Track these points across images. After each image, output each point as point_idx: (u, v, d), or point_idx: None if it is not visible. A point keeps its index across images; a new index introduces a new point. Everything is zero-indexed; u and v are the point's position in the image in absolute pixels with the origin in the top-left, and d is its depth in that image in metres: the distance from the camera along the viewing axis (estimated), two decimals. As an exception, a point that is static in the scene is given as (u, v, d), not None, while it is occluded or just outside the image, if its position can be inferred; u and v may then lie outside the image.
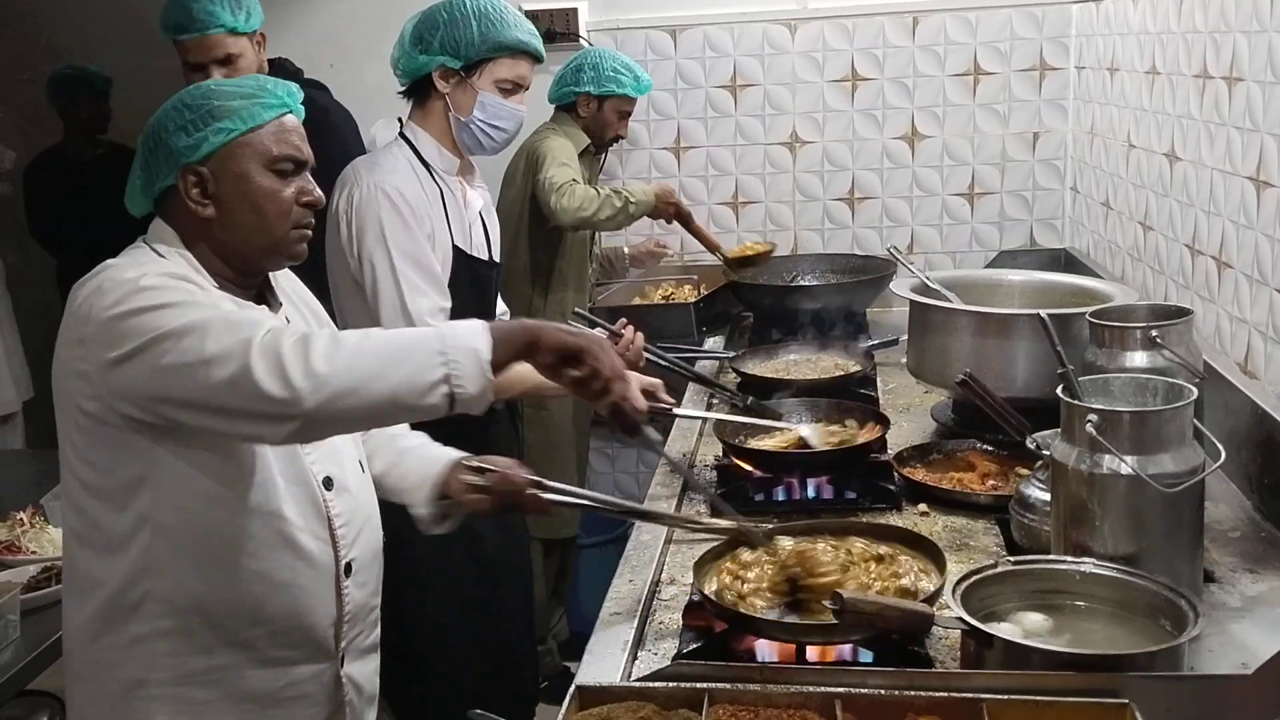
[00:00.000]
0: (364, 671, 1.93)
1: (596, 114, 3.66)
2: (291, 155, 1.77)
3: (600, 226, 3.55)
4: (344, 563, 1.82)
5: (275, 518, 1.73)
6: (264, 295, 1.85)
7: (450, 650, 2.71)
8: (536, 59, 2.67)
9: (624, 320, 2.80)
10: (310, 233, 1.81)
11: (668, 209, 3.62)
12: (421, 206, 2.54)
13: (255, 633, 1.74)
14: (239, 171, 1.74)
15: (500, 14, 2.58)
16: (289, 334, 1.54)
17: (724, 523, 2.02)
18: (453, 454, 2.01)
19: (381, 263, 2.50)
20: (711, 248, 3.80)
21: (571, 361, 1.64)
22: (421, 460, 2.01)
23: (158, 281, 1.62)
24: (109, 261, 1.71)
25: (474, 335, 1.57)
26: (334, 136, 3.01)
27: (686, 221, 3.70)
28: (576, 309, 3.02)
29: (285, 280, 1.96)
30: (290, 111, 1.80)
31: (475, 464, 1.96)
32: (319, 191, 1.82)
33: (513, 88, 2.62)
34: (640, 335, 2.76)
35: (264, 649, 1.75)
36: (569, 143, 3.58)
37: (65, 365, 1.66)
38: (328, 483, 1.81)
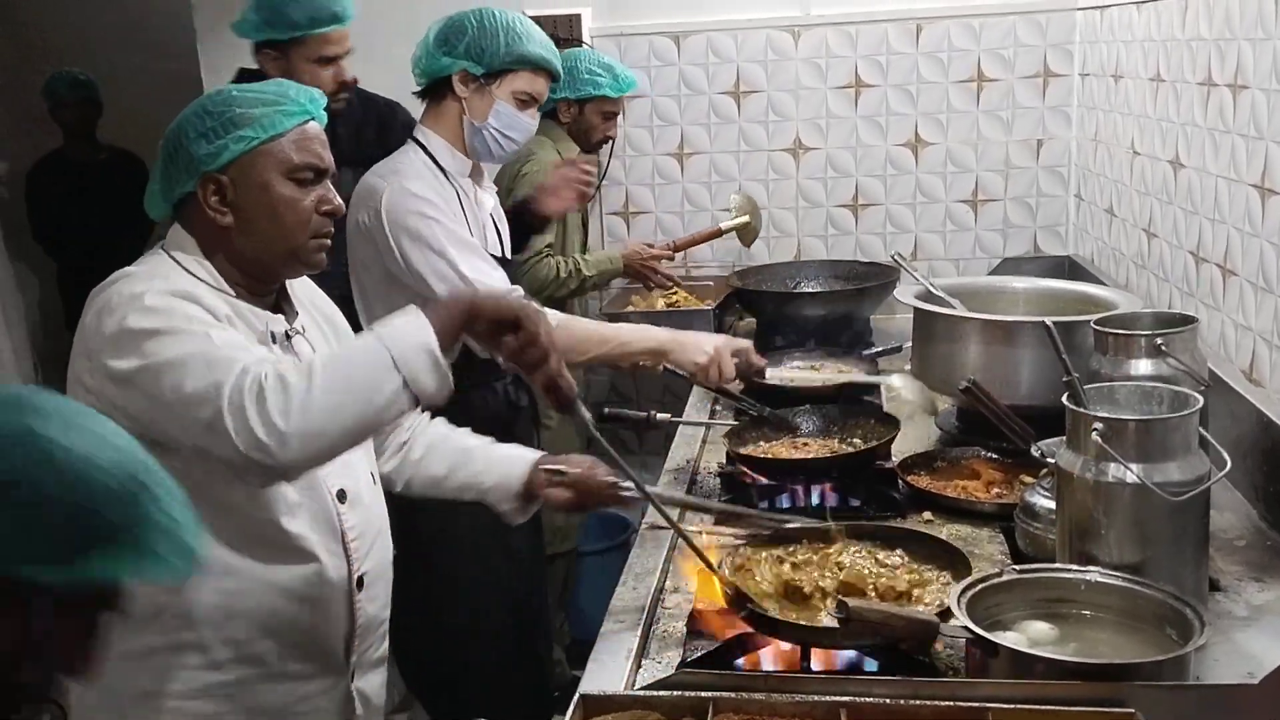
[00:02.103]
0: (373, 685, 1.92)
1: (579, 118, 3.64)
2: (312, 164, 1.76)
3: (560, 302, 3.52)
4: (356, 576, 1.82)
5: (288, 531, 1.73)
6: (280, 303, 1.85)
7: (488, 653, 2.73)
8: (554, 77, 2.72)
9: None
10: (329, 241, 1.81)
11: (644, 270, 3.68)
12: (442, 210, 2.57)
13: (267, 646, 1.74)
14: (260, 180, 1.73)
15: (527, 30, 2.65)
16: (251, 385, 1.52)
17: (797, 521, 2.07)
18: (528, 454, 2.08)
19: (423, 258, 2.51)
20: (709, 237, 3.86)
21: (508, 329, 1.64)
22: (495, 460, 2.07)
23: (159, 302, 1.61)
24: (123, 271, 1.71)
25: (417, 331, 1.57)
26: (407, 129, 2.96)
27: (677, 247, 3.78)
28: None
29: (301, 287, 1.95)
30: (312, 119, 1.79)
31: (554, 465, 2.04)
32: (339, 200, 1.80)
33: (528, 100, 2.67)
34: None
35: (276, 663, 1.75)
36: (555, 159, 3.53)
37: (75, 375, 1.67)
38: (341, 495, 1.81)
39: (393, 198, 2.54)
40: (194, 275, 1.74)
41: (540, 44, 2.66)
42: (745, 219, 3.91)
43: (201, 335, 1.60)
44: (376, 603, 1.89)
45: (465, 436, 2.14)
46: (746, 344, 2.71)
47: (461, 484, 2.05)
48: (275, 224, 1.74)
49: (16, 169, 5.08)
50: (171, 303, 1.62)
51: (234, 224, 1.74)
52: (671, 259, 3.81)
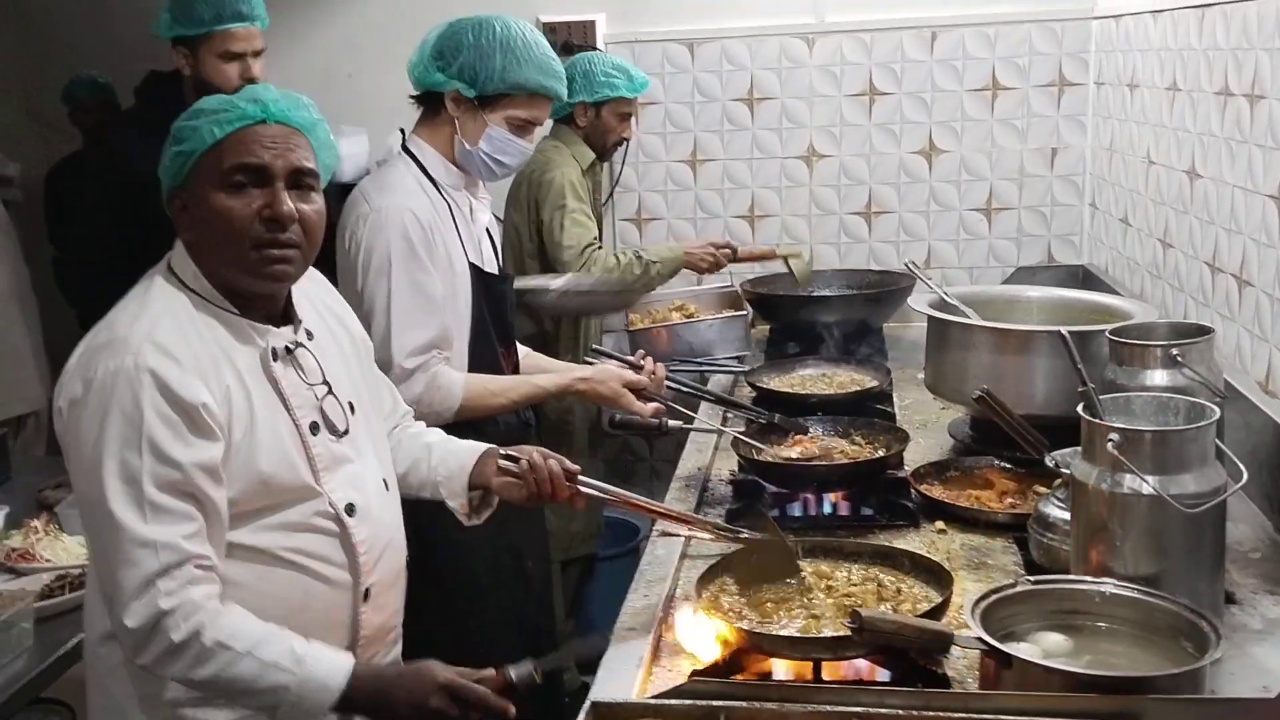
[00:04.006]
0: None
1: (595, 121, 3.61)
2: (245, 163, 1.67)
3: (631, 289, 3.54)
4: (363, 589, 1.80)
5: (291, 547, 1.71)
6: (288, 312, 1.80)
7: (496, 660, 2.71)
8: (556, 99, 2.62)
9: (641, 351, 2.84)
10: (286, 250, 1.70)
11: (703, 261, 3.63)
12: (434, 227, 2.48)
13: None
14: (199, 193, 1.69)
15: (527, 50, 2.49)
16: (160, 635, 1.58)
17: (750, 532, 2.06)
18: (479, 445, 2.06)
19: (380, 294, 2.44)
20: (769, 256, 3.83)
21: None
22: (450, 453, 2.05)
23: (111, 401, 1.58)
24: (115, 326, 1.68)
25: (325, 692, 1.64)
26: None
27: (734, 258, 3.73)
28: (594, 346, 3.02)
29: (315, 288, 1.92)
30: (260, 121, 1.69)
31: (508, 453, 2.01)
32: (286, 205, 1.68)
33: (525, 126, 2.55)
34: (661, 365, 2.79)
35: None
36: (575, 169, 3.53)
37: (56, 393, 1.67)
38: (350, 509, 1.78)
39: (377, 215, 2.45)
40: (193, 291, 1.71)
41: (539, 67, 2.51)
42: (800, 250, 3.88)
43: (124, 483, 1.59)
44: (384, 612, 1.86)
45: (429, 433, 2.12)
46: (639, 378, 2.69)
47: (421, 480, 2.04)
48: (212, 236, 1.69)
49: (36, 173, 5.10)
50: (108, 391, 1.59)
51: (194, 240, 1.72)
52: (732, 257, 3.75)
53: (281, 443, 1.71)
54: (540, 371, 2.78)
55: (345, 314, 1.99)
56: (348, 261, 2.51)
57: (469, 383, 2.53)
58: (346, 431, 1.81)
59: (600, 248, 3.47)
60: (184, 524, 1.59)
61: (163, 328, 1.64)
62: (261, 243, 1.68)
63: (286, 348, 1.76)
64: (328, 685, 1.63)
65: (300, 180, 1.72)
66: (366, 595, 1.80)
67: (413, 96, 2.61)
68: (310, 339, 1.81)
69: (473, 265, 2.58)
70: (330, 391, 1.81)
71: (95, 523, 1.61)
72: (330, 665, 1.65)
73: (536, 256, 3.54)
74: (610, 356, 2.84)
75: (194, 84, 3.17)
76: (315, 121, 1.77)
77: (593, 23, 4.10)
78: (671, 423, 2.67)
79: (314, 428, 1.76)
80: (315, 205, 1.74)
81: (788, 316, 3.76)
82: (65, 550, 2.51)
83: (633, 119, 3.76)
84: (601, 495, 2.06)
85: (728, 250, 3.71)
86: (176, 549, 1.57)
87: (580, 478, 2.02)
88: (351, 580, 1.78)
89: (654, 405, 2.69)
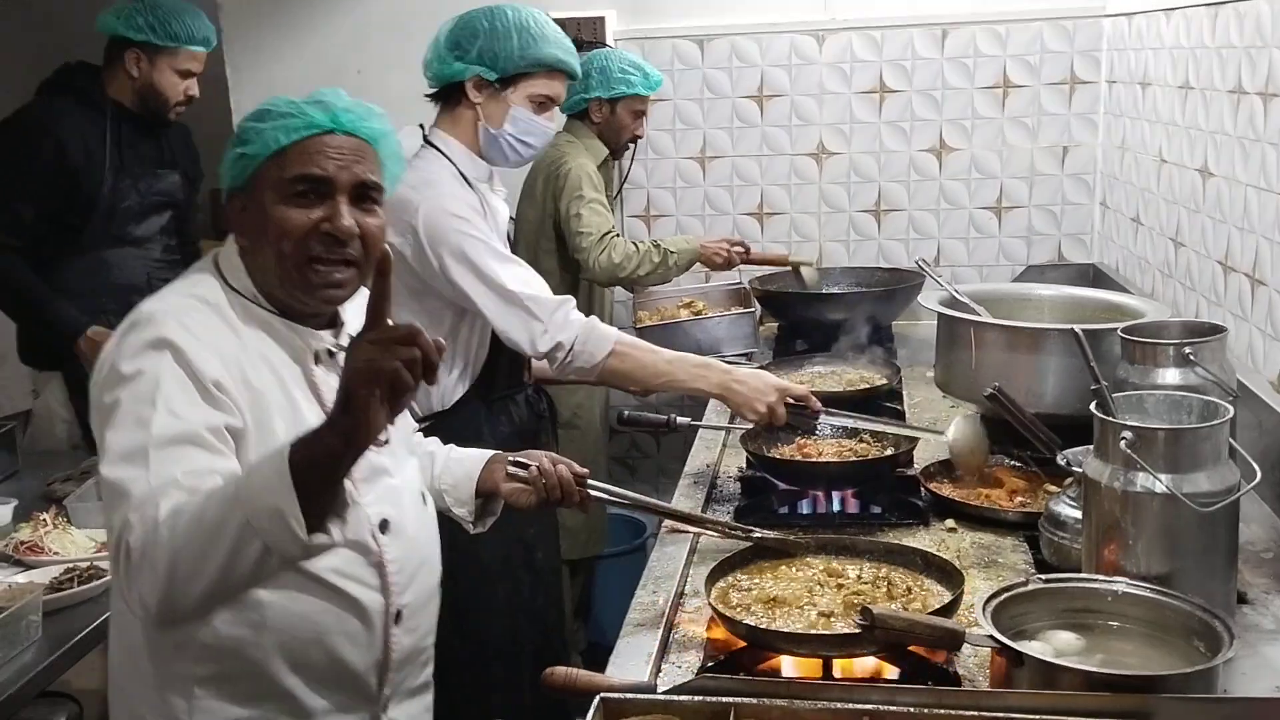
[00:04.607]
0: (411, 712, 1.83)
1: (610, 117, 3.64)
2: (308, 173, 1.62)
3: (637, 283, 3.59)
4: (394, 610, 1.72)
5: (320, 566, 1.62)
6: (333, 316, 1.75)
7: (507, 663, 2.71)
8: (571, 77, 2.66)
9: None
10: (339, 268, 1.65)
11: (716, 256, 3.63)
12: (478, 220, 2.53)
13: (294, 681, 1.65)
14: (257, 199, 1.64)
15: (541, 29, 2.56)
16: (122, 549, 1.45)
17: (761, 530, 2.06)
18: (483, 451, 2.05)
19: (474, 283, 2.49)
20: (781, 262, 3.83)
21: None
22: (454, 461, 2.02)
23: (129, 368, 1.54)
24: (144, 307, 1.63)
25: (273, 492, 1.38)
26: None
27: (746, 258, 3.73)
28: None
29: (360, 294, 1.81)
30: (329, 131, 1.64)
31: (517, 460, 1.98)
32: (347, 220, 1.62)
33: (546, 103, 2.60)
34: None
35: (302, 698, 1.66)
36: (590, 161, 3.56)
37: (90, 386, 1.62)
38: (384, 525, 1.71)
39: (430, 213, 2.49)
40: (235, 290, 1.67)
41: (556, 44, 2.58)
42: (811, 260, 3.91)
43: (134, 429, 1.50)
44: (416, 634, 1.78)
45: (428, 442, 2.08)
46: (804, 390, 2.56)
47: (427, 490, 1.96)
48: (265, 244, 1.63)
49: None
50: (142, 367, 1.53)
51: (247, 245, 1.67)
52: (745, 257, 3.75)
53: None
54: (543, 371, 2.78)
55: None
56: (397, 258, 2.52)
57: (619, 341, 2.54)
58: (387, 441, 1.73)
59: (619, 235, 3.50)
60: (185, 463, 1.49)
61: (193, 312, 1.61)
62: (317, 258, 1.63)
63: (329, 351, 1.71)
64: (272, 478, 1.40)
65: (364, 194, 1.66)
66: (398, 618, 1.73)
67: (429, 95, 2.64)
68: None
69: None
70: None
71: (105, 481, 1.52)
72: (266, 462, 1.44)
73: (554, 249, 3.55)
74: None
75: (139, 88, 3.40)
76: (385, 133, 1.71)
77: (602, 19, 4.09)
78: (680, 419, 2.66)
79: None
80: (378, 219, 1.68)
81: (796, 314, 3.75)
82: (74, 543, 2.52)
83: (644, 117, 3.76)
84: (610, 498, 2.05)
85: (741, 248, 3.71)
86: (172, 483, 1.47)
87: (589, 481, 2.01)
88: (382, 602, 1.70)
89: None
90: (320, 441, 1.39)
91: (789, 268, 3.86)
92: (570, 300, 2.56)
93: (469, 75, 2.54)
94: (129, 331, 1.59)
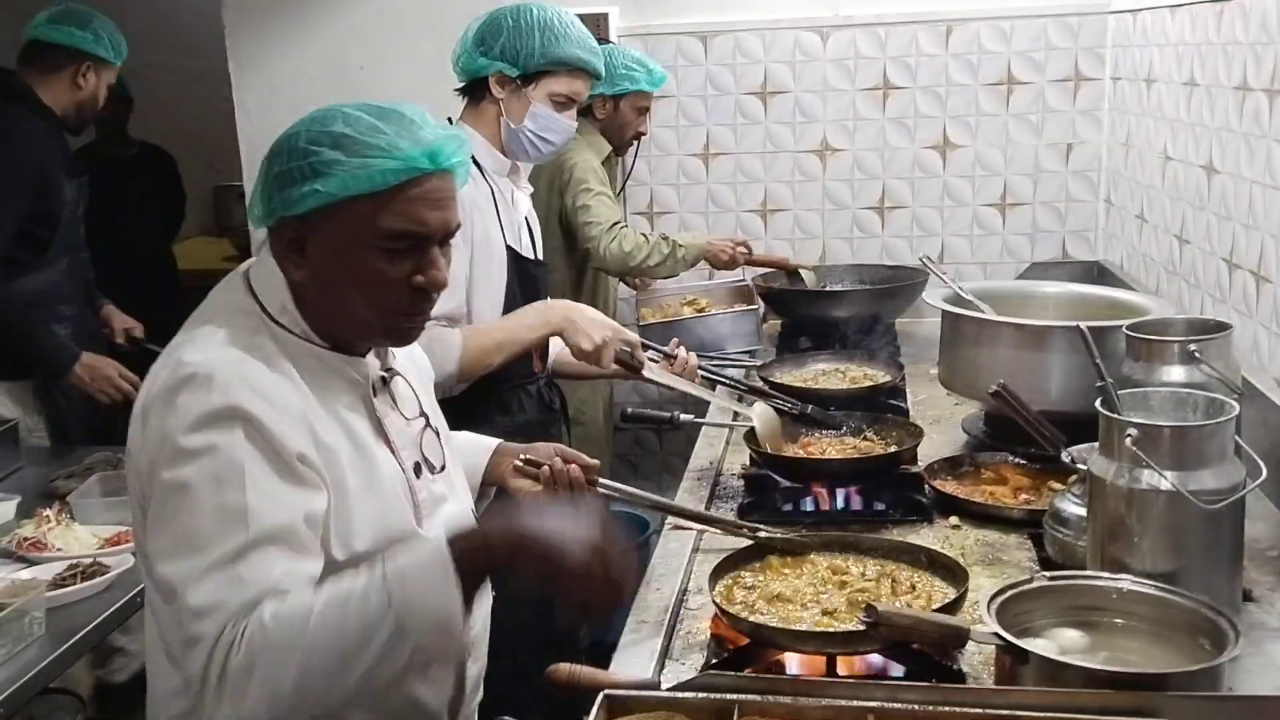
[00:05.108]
0: None
1: (614, 114, 3.64)
2: (411, 231, 1.48)
3: (647, 273, 3.61)
4: (466, 643, 1.64)
5: None
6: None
7: (514, 660, 2.70)
8: (595, 77, 2.69)
9: (676, 340, 2.84)
10: (422, 317, 1.57)
11: (722, 254, 3.63)
12: (474, 206, 2.53)
13: None
14: (334, 240, 1.48)
15: (565, 28, 2.60)
16: (236, 655, 1.32)
17: (767, 529, 2.05)
18: (487, 440, 2.03)
19: None
20: (782, 265, 3.83)
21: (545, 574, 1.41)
22: (457, 450, 1.93)
23: (197, 443, 1.39)
24: (198, 331, 1.50)
25: (440, 596, 1.32)
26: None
27: (749, 259, 3.74)
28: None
29: None
30: (425, 173, 1.48)
31: (529, 459, 1.95)
32: (441, 272, 1.52)
33: (566, 102, 2.64)
34: (694, 355, 2.81)
35: None
36: (594, 157, 3.57)
37: (129, 445, 1.49)
38: None
39: None
40: (279, 324, 1.53)
41: (578, 44, 2.61)
42: (811, 265, 3.92)
43: (218, 524, 1.37)
44: (479, 662, 1.72)
45: None
46: (635, 338, 2.61)
47: None
48: (348, 293, 1.50)
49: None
50: (212, 441, 1.39)
51: (308, 280, 1.51)
52: (748, 257, 3.75)
53: (393, 489, 1.57)
54: (561, 364, 2.80)
55: (420, 359, 1.85)
56: None
57: (466, 336, 2.52)
58: (444, 467, 1.69)
59: (626, 226, 3.51)
60: (280, 566, 1.38)
61: (251, 365, 1.46)
62: (407, 311, 1.53)
63: (382, 378, 1.63)
64: (438, 584, 1.34)
65: (448, 238, 1.56)
66: (468, 649, 1.67)
67: (458, 89, 2.69)
68: (394, 358, 1.68)
69: (510, 249, 2.63)
70: (428, 424, 1.69)
71: (181, 583, 1.38)
72: (426, 566, 1.36)
73: (561, 246, 3.55)
74: (647, 346, 2.83)
75: (82, 99, 3.55)
76: (465, 162, 1.57)
77: (606, 15, 4.08)
78: (683, 416, 2.66)
79: (417, 469, 1.63)
80: (450, 257, 1.58)
81: (800, 311, 3.75)
82: (77, 540, 2.51)
83: (648, 114, 3.76)
84: (619, 496, 2.05)
85: (744, 249, 3.71)
86: (272, 590, 1.36)
87: (599, 479, 2.01)
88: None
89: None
90: (479, 559, 1.38)
91: (789, 270, 3.85)
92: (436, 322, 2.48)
93: (491, 71, 2.59)
94: (180, 390, 1.42)
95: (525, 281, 2.70)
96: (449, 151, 1.51)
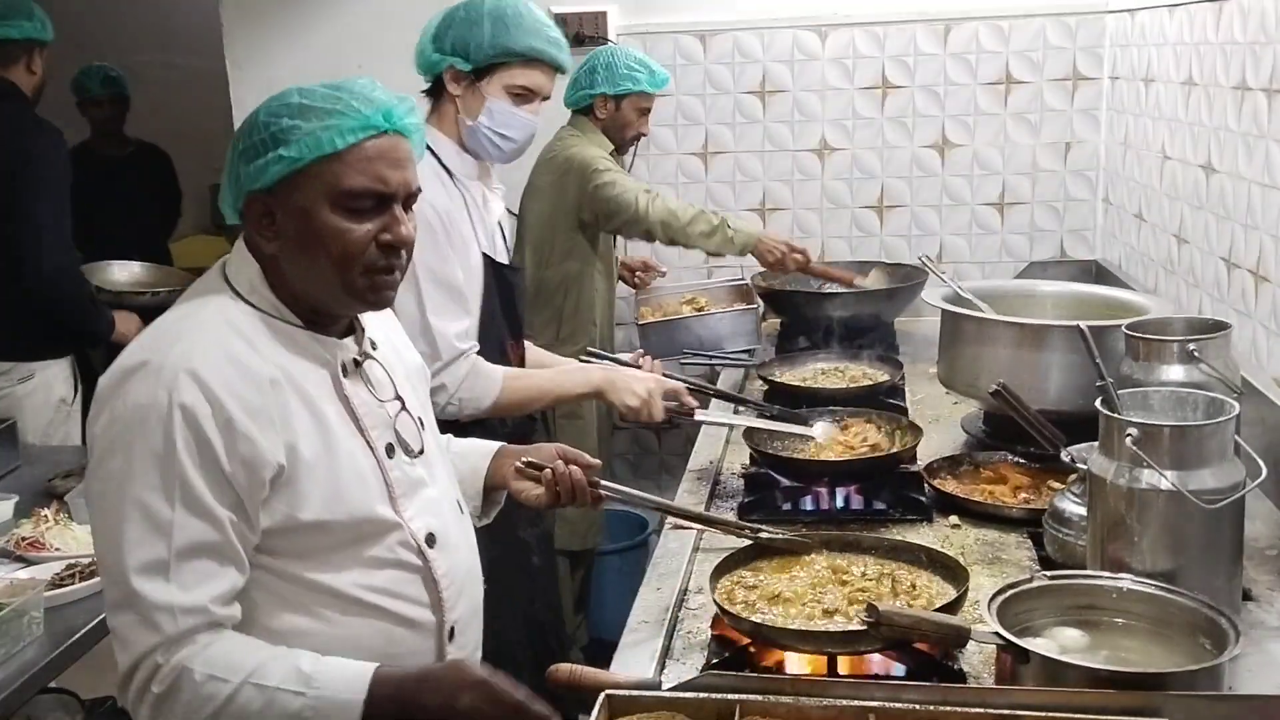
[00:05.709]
0: None
1: (615, 114, 3.61)
2: (369, 189, 1.53)
3: (691, 241, 3.46)
4: (449, 627, 1.67)
5: (371, 586, 1.58)
6: (352, 321, 1.68)
7: (512, 655, 2.69)
8: (556, 68, 2.55)
9: (640, 351, 2.85)
10: (393, 275, 1.59)
11: (771, 253, 3.52)
12: (451, 217, 2.46)
13: None
14: (301, 206, 1.53)
15: (518, 17, 2.46)
16: (140, 677, 1.44)
17: (769, 530, 2.05)
18: (490, 444, 2.01)
19: (409, 289, 2.38)
20: (846, 281, 3.72)
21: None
22: (460, 455, 1.97)
23: (117, 434, 1.45)
24: (171, 317, 1.56)
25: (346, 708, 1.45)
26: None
27: (805, 267, 3.62)
28: (589, 348, 3.01)
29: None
30: (382, 132, 1.55)
31: (530, 460, 1.94)
32: (407, 228, 1.57)
33: (525, 95, 2.50)
34: (659, 363, 2.81)
35: None
36: (599, 149, 3.56)
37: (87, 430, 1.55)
38: (430, 539, 1.64)
39: None
40: (253, 306, 1.57)
41: (532, 32, 2.46)
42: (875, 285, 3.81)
43: (147, 529, 1.44)
44: (466, 650, 1.71)
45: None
46: (679, 386, 2.61)
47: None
48: (318, 256, 1.54)
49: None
50: (129, 435, 1.45)
51: (279, 252, 1.56)
52: (803, 265, 3.63)
53: (359, 469, 1.58)
54: (540, 366, 2.77)
55: (396, 337, 1.84)
56: None
57: (506, 378, 2.52)
58: (422, 451, 1.70)
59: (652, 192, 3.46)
60: (212, 586, 1.46)
61: (207, 353, 1.49)
62: (376, 268, 1.56)
63: (355, 360, 1.64)
64: (347, 704, 1.46)
65: (410, 199, 1.61)
66: (451, 634, 1.68)
67: (424, 90, 2.58)
68: (375, 349, 1.69)
69: (485, 256, 2.57)
70: (404, 407, 1.69)
71: (109, 570, 1.46)
72: (347, 679, 1.48)
73: (569, 239, 3.51)
74: (604, 358, 2.82)
75: (39, 84, 3.68)
76: (419, 126, 1.63)
77: (604, 14, 4.08)
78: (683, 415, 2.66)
79: (389, 450, 1.64)
80: (415, 221, 1.62)
81: (799, 310, 3.74)
82: (75, 539, 2.51)
83: (649, 115, 3.75)
84: (620, 497, 2.05)
85: (800, 255, 3.57)
86: (202, 612, 1.44)
87: (602, 482, 1.99)
88: (435, 620, 1.65)
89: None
90: (402, 700, 1.47)
91: (850, 289, 3.71)
92: (467, 355, 2.46)
93: (444, 66, 2.48)
94: (131, 378, 1.48)
95: (504, 289, 2.63)
96: (401, 111, 1.57)
